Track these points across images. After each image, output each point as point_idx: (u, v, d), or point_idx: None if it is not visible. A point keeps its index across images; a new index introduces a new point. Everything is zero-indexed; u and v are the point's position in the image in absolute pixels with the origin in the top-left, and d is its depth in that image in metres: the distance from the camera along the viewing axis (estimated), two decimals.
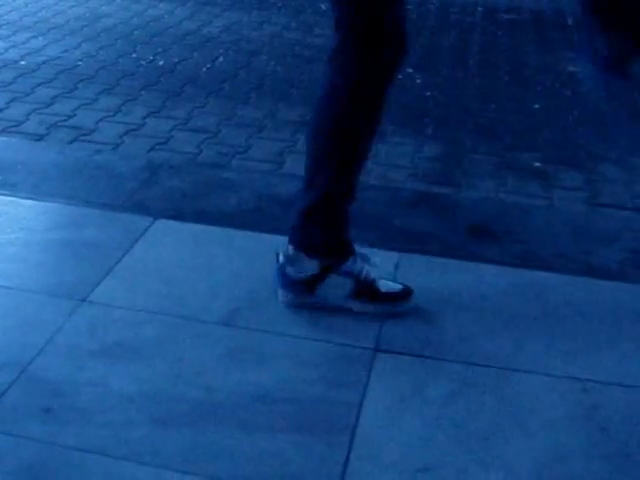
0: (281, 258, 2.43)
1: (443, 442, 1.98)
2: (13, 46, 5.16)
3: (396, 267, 2.68)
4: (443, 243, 2.88)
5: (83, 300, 2.43)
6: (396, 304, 2.45)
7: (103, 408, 2.03)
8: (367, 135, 2.34)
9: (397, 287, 2.47)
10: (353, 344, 2.32)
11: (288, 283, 2.43)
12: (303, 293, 2.43)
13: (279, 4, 6.68)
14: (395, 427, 2.02)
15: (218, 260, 2.68)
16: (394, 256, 2.74)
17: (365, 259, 2.43)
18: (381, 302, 2.43)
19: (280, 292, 2.46)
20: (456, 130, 4.23)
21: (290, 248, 2.41)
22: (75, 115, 4.15)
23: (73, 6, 6.15)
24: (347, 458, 1.92)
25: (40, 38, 5.36)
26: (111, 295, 2.46)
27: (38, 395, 2.05)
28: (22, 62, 4.88)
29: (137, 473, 1.85)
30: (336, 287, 2.41)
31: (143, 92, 4.54)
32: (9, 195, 3.00)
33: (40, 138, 3.85)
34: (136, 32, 5.64)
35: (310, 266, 2.40)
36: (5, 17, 5.77)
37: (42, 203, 2.97)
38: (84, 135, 3.92)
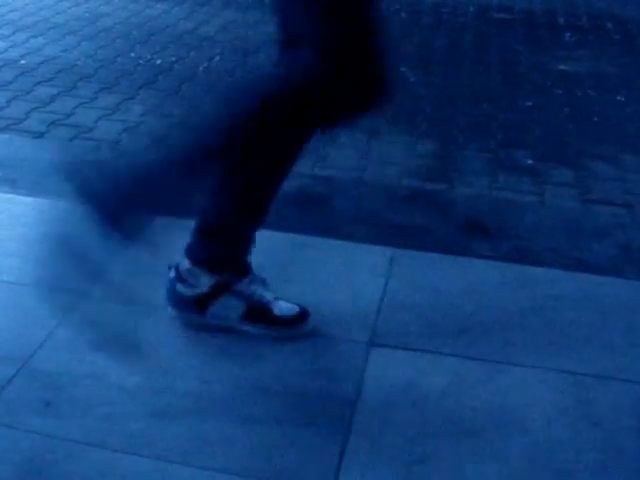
0: (172, 274, 2.30)
1: (438, 435, 2.00)
2: (13, 45, 5.17)
3: (390, 263, 2.70)
4: (436, 239, 2.90)
5: (83, 295, 2.45)
6: (292, 327, 2.33)
7: (102, 401, 2.05)
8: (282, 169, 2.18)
9: (294, 310, 2.33)
10: (348, 338, 2.34)
11: (177, 300, 2.31)
12: (194, 312, 2.30)
13: None
14: (390, 420, 2.04)
15: None
16: (388, 252, 2.76)
17: (262, 283, 2.33)
18: (275, 325, 2.31)
19: (169, 310, 2.33)
20: (449, 128, 4.25)
21: (185, 262, 2.27)
22: (74, 113, 4.17)
23: (72, 6, 6.15)
24: (342, 451, 1.93)
25: (40, 37, 5.37)
26: (110, 290, 2.48)
27: (38, 388, 2.08)
28: (22, 61, 4.90)
29: (136, 465, 1.87)
30: (228, 309, 2.30)
31: (141, 91, 4.56)
32: (9, 192, 3.03)
33: (40, 136, 3.87)
34: (134, 32, 5.65)
35: (203, 283, 2.26)
36: (5, 17, 5.77)
37: (42, 200, 2.99)
38: (83, 133, 3.93)
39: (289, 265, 2.70)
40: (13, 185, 3.08)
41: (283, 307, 2.32)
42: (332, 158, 3.74)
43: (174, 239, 2.20)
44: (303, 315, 2.34)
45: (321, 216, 2.99)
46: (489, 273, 2.70)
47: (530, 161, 3.87)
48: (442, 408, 2.10)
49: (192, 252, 2.27)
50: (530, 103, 4.64)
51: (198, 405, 2.06)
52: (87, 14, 5.99)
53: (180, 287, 2.28)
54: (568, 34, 6.08)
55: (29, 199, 2.99)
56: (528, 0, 6.88)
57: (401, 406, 2.10)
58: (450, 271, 2.70)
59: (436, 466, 1.91)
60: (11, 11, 5.93)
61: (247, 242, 2.27)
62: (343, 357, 2.27)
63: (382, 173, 3.65)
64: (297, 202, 3.09)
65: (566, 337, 2.39)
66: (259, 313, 2.30)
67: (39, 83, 4.55)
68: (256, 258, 2.67)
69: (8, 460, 1.86)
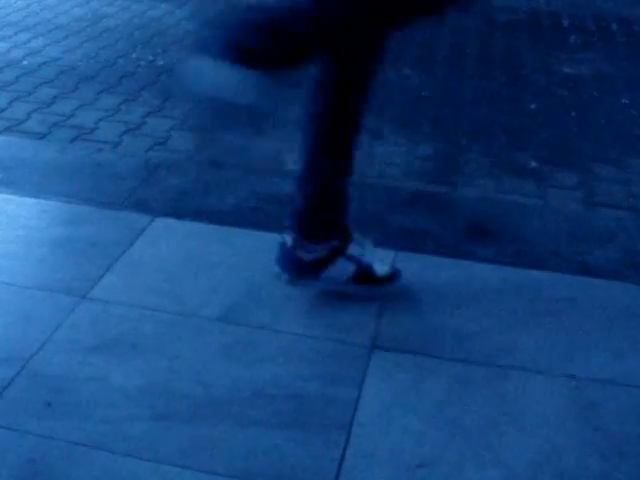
0: (289, 241, 2.43)
1: (439, 439, 2.00)
2: (15, 46, 5.17)
3: (392, 265, 2.69)
4: (439, 242, 2.89)
5: (83, 297, 2.45)
6: (391, 284, 2.53)
7: (103, 403, 2.05)
8: (361, 116, 2.38)
9: (385, 270, 2.54)
10: (350, 341, 2.33)
11: (297, 265, 2.45)
12: (310, 276, 2.46)
13: None
14: (391, 424, 2.04)
15: (216, 258, 2.70)
16: (390, 254, 2.75)
17: (363, 244, 2.49)
18: (378, 285, 2.51)
19: (286, 276, 2.48)
20: (452, 130, 4.24)
21: (294, 236, 2.43)
22: (76, 114, 4.17)
23: (74, 7, 6.15)
24: (343, 454, 1.93)
25: (41, 38, 5.37)
26: (111, 292, 2.49)
27: (39, 390, 2.07)
28: (24, 62, 4.90)
29: (136, 468, 1.87)
30: (340, 271, 2.46)
31: (143, 92, 4.56)
32: (10, 193, 3.02)
33: (41, 137, 3.87)
34: (136, 33, 5.65)
35: (319, 249, 2.42)
36: (7, 18, 5.78)
37: (43, 201, 2.98)
38: (85, 134, 3.93)
39: None
40: (14, 186, 3.08)
41: (381, 268, 2.52)
42: None
43: None
44: (396, 273, 2.55)
45: None
46: (492, 277, 2.69)
47: (534, 164, 3.86)
48: (443, 412, 2.09)
49: (302, 224, 2.43)
50: (534, 105, 4.63)
51: (199, 408, 2.06)
52: (89, 15, 5.99)
53: (300, 252, 2.42)
54: (573, 36, 6.07)
55: (30, 200, 2.99)
56: (533, 2, 6.87)
57: (402, 410, 2.09)
58: (452, 274, 2.69)
59: (437, 471, 1.91)
60: (13, 12, 5.93)
61: (346, 203, 2.44)
62: (344, 360, 2.26)
63: (385, 175, 3.64)
64: None
65: (569, 341, 2.39)
66: (365, 275, 2.48)
67: (40, 84, 4.55)
68: (257, 259, 2.67)
69: (8, 462, 1.86)
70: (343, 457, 1.93)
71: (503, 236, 2.98)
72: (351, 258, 2.45)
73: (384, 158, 3.84)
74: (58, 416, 2.00)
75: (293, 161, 3.58)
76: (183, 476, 1.85)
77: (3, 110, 4.16)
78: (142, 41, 5.47)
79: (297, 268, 2.46)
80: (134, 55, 5.18)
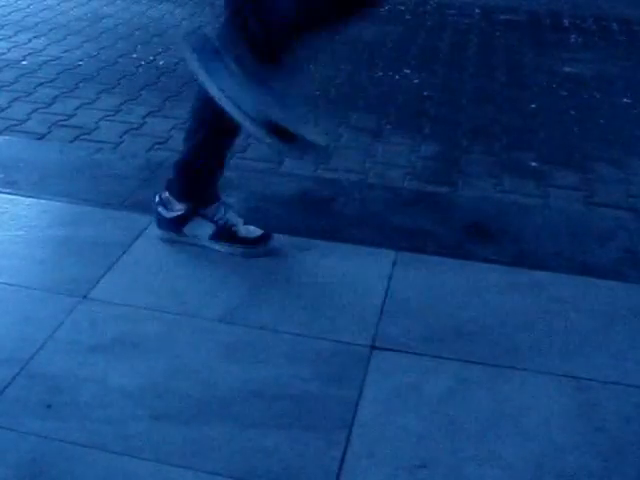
0: (157, 199, 2.77)
1: (439, 439, 2.00)
2: (15, 46, 5.16)
3: (393, 265, 2.69)
4: (440, 242, 2.89)
5: (83, 297, 2.45)
6: (255, 246, 2.72)
7: (103, 404, 2.05)
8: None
9: (257, 232, 2.74)
10: (350, 341, 2.33)
11: (160, 221, 2.77)
12: (172, 231, 2.76)
13: None
14: (391, 424, 2.04)
15: (216, 258, 2.70)
16: (391, 254, 2.75)
17: (228, 207, 2.76)
18: (238, 244, 2.72)
19: (156, 229, 2.80)
20: (453, 130, 4.24)
21: (164, 192, 2.74)
22: (76, 114, 4.17)
23: (75, 7, 6.15)
24: (344, 454, 1.93)
25: (42, 38, 5.37)
26: (111, 292, 2.49)
27: (39, 390, 2.07)
28: (24, 62, 4.89)
29: (136, 468, 1.87)
30: (201, 229, 2.73)
31: (143, 92, 4.55)
32: (11, 193, 3.02)
33: (41, 137, 3.87)
34: (137, 33, 5.65)
35: (178, 207, 2.72)
36: (7, 17, 5.77)
37: (43, 201, 2.98)
38: (85, 134, 3.93)
39: (291, 267, 2.70)
40: (14, 186, 3.08)
41: (249, 229, 2.74)
42: (335, 160, 3.74)
43: None
44: (265, 237, 2.74)
45: (324, 219, 2.99)
46: (492, 277, 2.69)
47: (534, 164, 3.86)
48: (444, 412, 2.09)
49: (170, 184, 2.75)
50: (535, 105, 4.63)
51: (199, 408, 2.05)
52: (89, 15, 5.99)
53: (162, 210, 2.75)
54: (573, 36, 6.07)
55: (30, 200, 2.99)
56: (533, 1, 6.87)
57: (402, 410, 2.09)
58: (453, 274, 2.69)
59: (437, 471, 1.91)
60: (13, 12, 5.93)
61: (211, 176, 2.73)
62: (344, 360, 2.26)
63: (385, 175, 3.64)
64: (300, 204, 3.08)
65: (570, 341, 2.39)
66: (225, 233, 2.72)
67: (41, 84, 4.55)
68: (257, 259, 2.67)
69: (8, 462, 1.86)
70: (344, 457, 1.92)
71: (503, 236, 2.98)
72: (208, 217, 2.72)
73: (385, 158, 3.84)
74: (58, 416, 2.00)
75: (292, 161, 3.59)
76: (183, 476, 1.85)
77: (3, 110, 4.15)
78: (142, 41, 5.47)
79: (161, 223, 2.78)
80: (134, 55, 5.18)
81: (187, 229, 2.74)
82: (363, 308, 2.49)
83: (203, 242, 2.74)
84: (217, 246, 2.72)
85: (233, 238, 2.72)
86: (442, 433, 2.02)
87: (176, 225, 2.75)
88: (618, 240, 2.99)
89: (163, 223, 2.77)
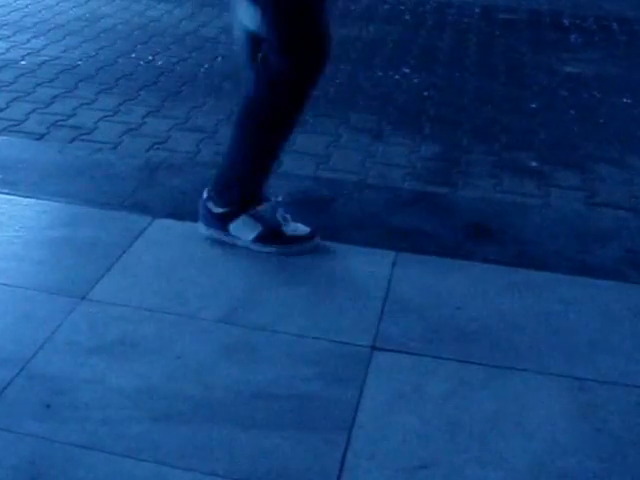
0: (205, 195, 2.77)
1: (440, 440, 2.00)
2: (14, 46, 5.16)
3: (393, 266, 2.69)
4: (440, 242, 2.89)
5: (82, 298, 2.44)
6: (301, 244, 2.75)
7: (102, 404, 2.04)
8: (292, 124, 2.68)
9: (304, 230, 2.78)
10: (350, 342, 2.33)
11: (207, 217, 2.77)
12: (218, 228, 2.76)
13: None
14: (392, 425, 2.03)
15: (216, 259, 2.70)
16: (391, 255, 2.75)
17: (276, 208, 2.77)
18: (283, 244, 2.74)
19: (201, 225, 2.79)
20: (453, 130, 4.24)
21: (210, 189, 2.77)
22: (75, 115, 4.16)
23: (73, 7, 6.15)
24: (344, 455, 1.93)
25: (41, 38, 5.36)
26: (110, 293, 2.48)
27: (38, 391, 2.07)
28: (23, 62, 4.89)
29: (136, 469, 1.86)
30: (246, 230, 2.73)
31: (142, 92, 4.55)
32: (9, 194, 3.02)
33: (40, 137, 3.87)
34: (135, 32, 5.65)
35: (226, 204, 2.73)
36: (6, 17, 5.77)
37: (42, 202, 2.98)
38: (84, 134, 3.93)
39: (291, 268, 2.69)
40: (13, 186, 3.08)
41: (298, 228, 2.77)
42: (335, 160, 3.74)
43: None
44: (313, 234, 2.78)
45: (324, 219, 2.98)
46: (493, 277, 2.69)
47: (535, 164, 3.86)
48: (444, 413, 2.09)
49: (216, 185, 2.76)
50: (535, 105, 4.63)
51: (199, 409, 2.05)
52: (88, 15, 5.99)
53: (211, 205, 2.75)
54: (574, 35, 6.07)
55: (29, 200, 2.98)
56: (534, 1, 6.86)
57: (403, 410, 2.09)
58: (453, 275, 2.69)
59: (438, 471, 1.91)
60: (12, 12, 5.92)
61: (263, 177, 2.74)
62: (345, 361, 2.26)
63: (385, 176, 3.64)
64: (300, 204, 3.07)
65: (570, 342, 2.38)
66: (272, 235, 2.73)
67: (39, 84, 4.55)
68: (258, 259, 2.67)
69: (7, 463, 1.85)
70: (344, 458, 1.92)
71: (504, 236, 2.97)
72: (256, 217, 2.72)
73: (385, 158, 3.83)
74: (57, 417, 1.99)
75: (292, 162, 3.58)
76: (183, 477, 1.85)
77: (2, 110, 4.15)
78: (141, 41, 5.47)
79: (207, 219, 2.77)
80: (133, 55, 5.18)
81: (233, 228, 2.74)
82: (363, 308, 2.48)
83: (246, 244, 2.74)
84: (263, 249, 2.73)
85: (279, 238, 2.73)
86: (443, 434, 2.01)
87: (223, 221, 2.74)
88: (619, 240, 2.98)
89: (211, 219, 2.76)
